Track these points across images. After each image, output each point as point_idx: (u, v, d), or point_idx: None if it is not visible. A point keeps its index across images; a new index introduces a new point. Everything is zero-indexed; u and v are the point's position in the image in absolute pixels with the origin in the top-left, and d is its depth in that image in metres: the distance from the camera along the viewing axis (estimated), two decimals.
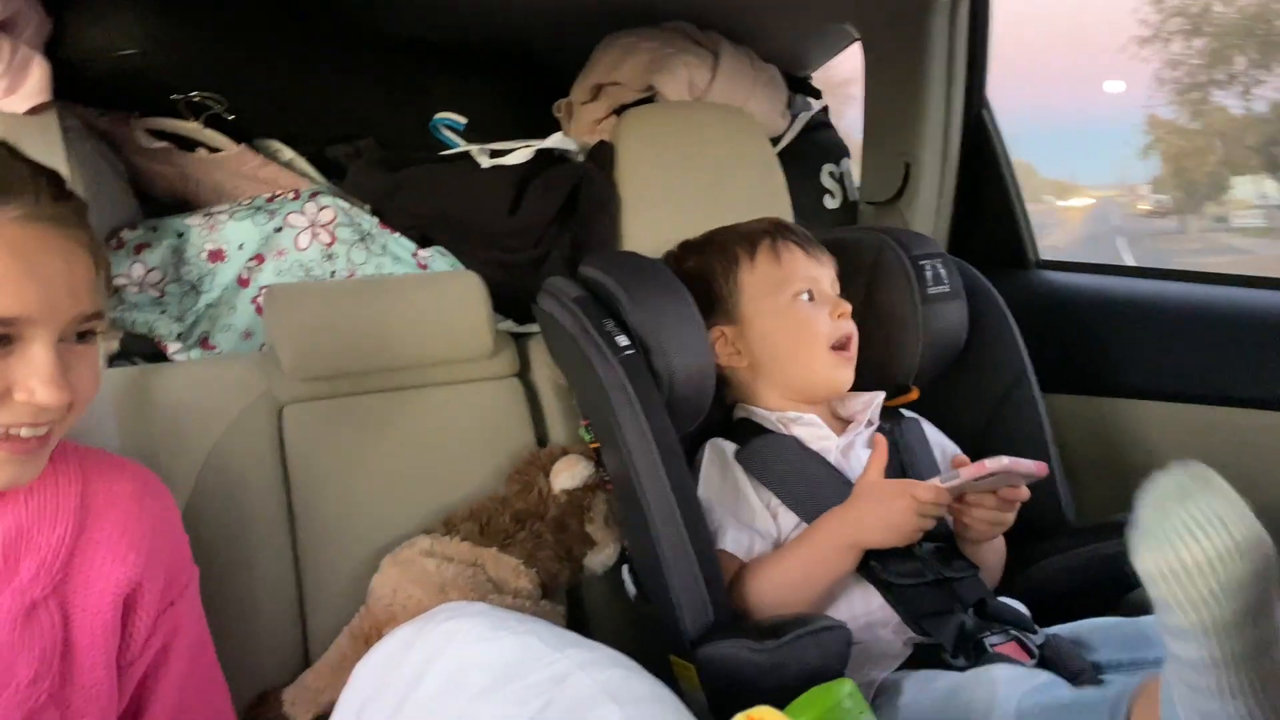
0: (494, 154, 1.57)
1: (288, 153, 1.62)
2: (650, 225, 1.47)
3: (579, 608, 1.31)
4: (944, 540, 1.13)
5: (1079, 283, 1.65)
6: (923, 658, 1.04)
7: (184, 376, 1.26)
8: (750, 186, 1.54)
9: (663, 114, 1.59)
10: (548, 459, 1.25)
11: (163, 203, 1.56)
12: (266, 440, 1.24)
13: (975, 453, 1.12)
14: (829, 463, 1.17)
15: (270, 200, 1.49)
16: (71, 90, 1.31)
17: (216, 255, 1.44)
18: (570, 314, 1.17)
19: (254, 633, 1.17)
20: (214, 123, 1.51)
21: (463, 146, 1.60)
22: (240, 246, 1.44)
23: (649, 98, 1.64)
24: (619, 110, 1.63)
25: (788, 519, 1.15)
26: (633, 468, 1.07)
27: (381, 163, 1.58)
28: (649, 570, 1.10)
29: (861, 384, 1.28)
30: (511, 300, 1.54)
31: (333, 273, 1.48)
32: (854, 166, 1.90)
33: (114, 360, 1.31)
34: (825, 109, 1.96)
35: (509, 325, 1.55)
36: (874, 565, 1.08)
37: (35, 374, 0.73)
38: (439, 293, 1.36)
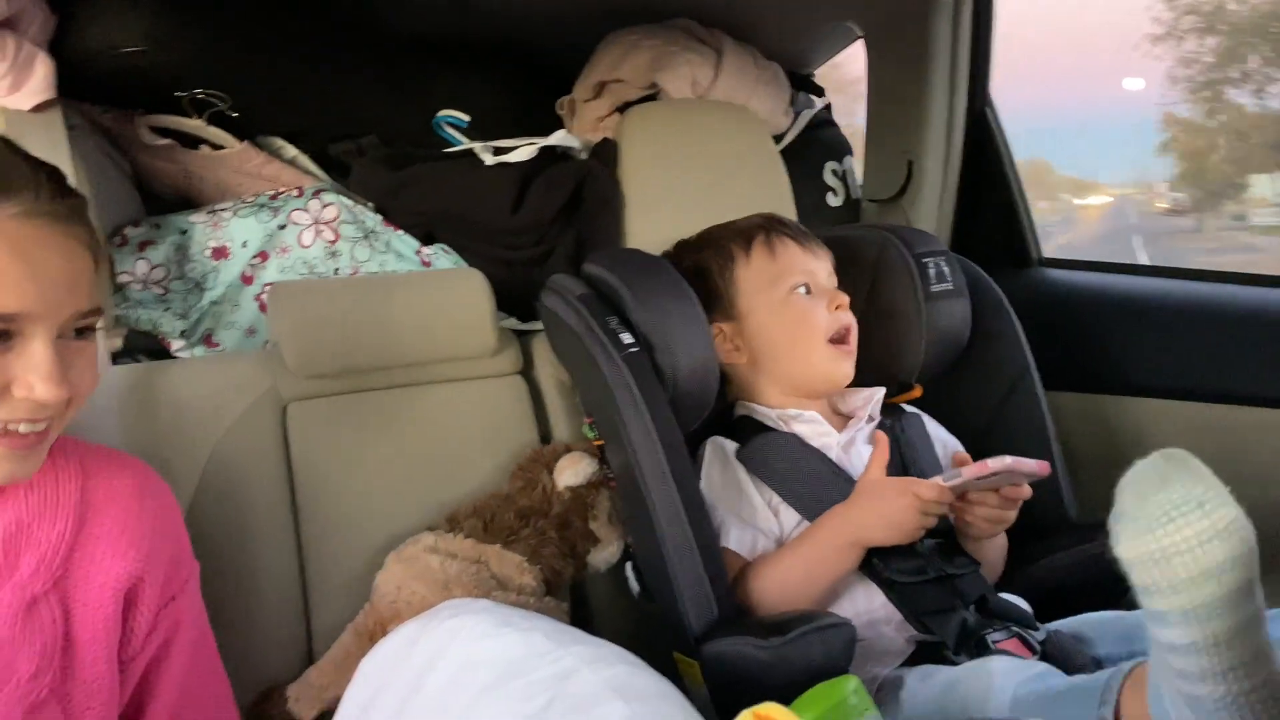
0: (497, 151, 1.57)
1: (290, 150, 1.62)
2: (653, 223, 1.47)
3: (582, 605, 1.32)
4: (945, 536, 1.14)
5: (1082, 281, 1.65)
6: (925, 655, 1.04)
7: (188, 374, 1.26)
8: (753, 184, 1.54)
9: (666, 112, 1.59)
10: (551, 456, 1.25)
11: (166, 200, 1.56)
12: (271, 437, 1.24)
13: (978, 450, 1.12)
14: (830, 459, 1.18)
15: (274, 198, 1.49)
16: (75, 87, 1.30)
17: (220, 252, 1.44)
18: (574, 311, 1.17)
19: (258, 629, 1.17)
20: (217, 120, 1.51)
21: (466, 144, 1.61)
22: (244, 244, 1.44)
23: (652, 95, 1.64)
24: (622, 108, 1.63)
25: (789, 517, 1.15)
26: (637, 465, 1.07)
27: (385, 160, 1.59)
28: (653, 567, 1.10)
29: (865, 381, 1.28)
30: (515, 298, 1.54)
31: (336, 270, 1.48)
32: (857, 164, 1.91)
33: (118, 357, 1.31)
34: (828, 106, 1.96)
35: (512, 323, 1.55)
36: (876, 563, 1.08)
37: (34, 370, 0.74)
38: (443, 290, 1.36)
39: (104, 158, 1.43)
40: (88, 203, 0.81)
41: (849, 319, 1.24)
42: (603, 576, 1.28)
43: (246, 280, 1.44)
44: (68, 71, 1.20)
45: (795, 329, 1.22)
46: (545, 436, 1.38)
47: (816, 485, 1.15)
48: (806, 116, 1.85)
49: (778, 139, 1.75)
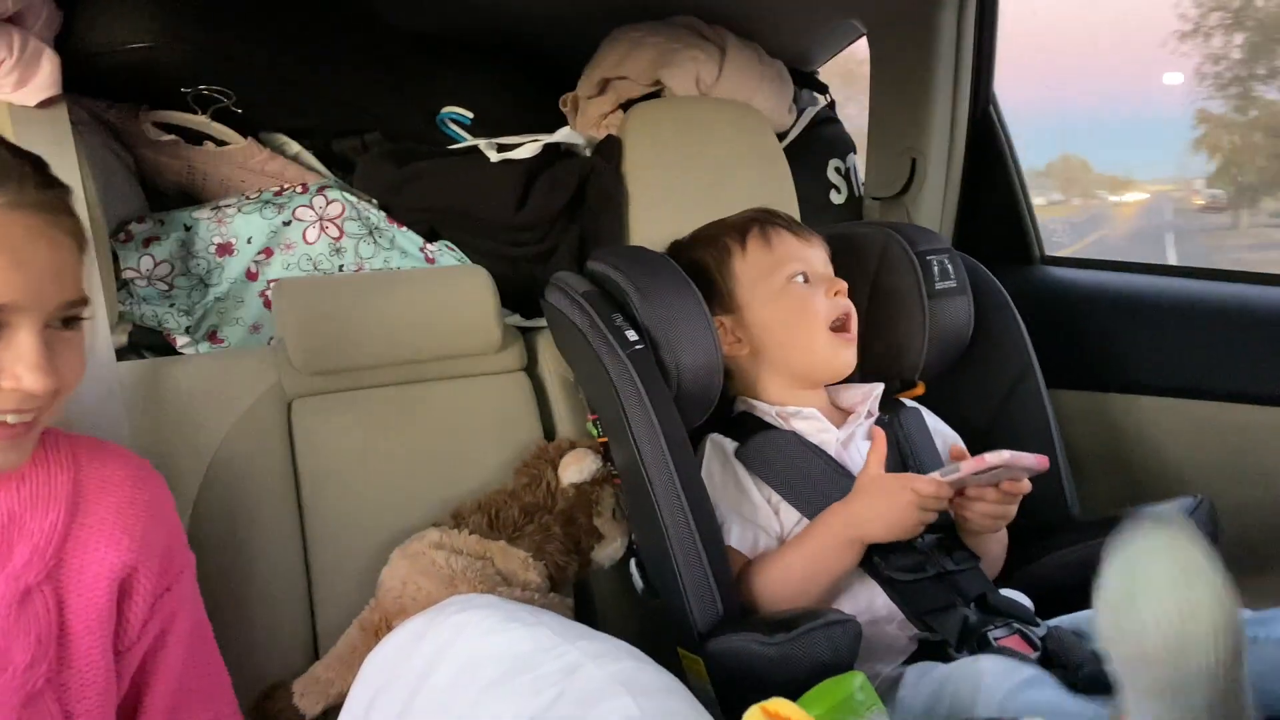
0: (501, 148, 1.57)
1: (294, 146, 1.62)
2: (657, 220, 1.47)
3: (587, 601, 1.32)
4: (945, 531, 1.14)
5: (1084, 278, 1.65)
6: (927, 652, 1.04)
7: (193, 370, 1.26)
8: (756, 181, 1.54)
9: (669, 109, 1.59)
10: (555, 453, 1.26)
11: (170, 196, 1.56)
12: (275, 434, 1.25)
13: (981, 448, 1.12)
14: (829, 456, 1.18)
15: (278, 194, 1.50)
16: (80, 83, 1.31)
17: (225, 249, 1.44)
18: (579, 308, 1.17)
19: (263, 625, 1.17)
20: (221, 116, 1.51)
21: (470, 141, 1.61)
22: (249, 240, 1.44)
23: (656, 92, 1.64)
24: (625, 105, 1.63)
25: (789, 515, 1.15)
26: (641, 462, 1.07)
27: (389, 156, 1.59)
28: (657, 564, 1.10)
29: (867, 379, 1.28)
30: (519, 294, 1.55)
31: (340, 266, 1.48)
32: (860, 161, 1.91)
33: (123, 354, 1.32)
34: (831, 104, 1.96)
35: (516, 319, 1.55)
36: (876, 560, 1.08)
37: (22, 360, 0.74)
38: (447, 287, 1.36)
39: (109, 153, 1.43)
40: (71, 192, 0.81)
41: (848, 305, 1.25)
42: (607, 573, 1.28)
43: (251, 277, 1.45)
44: (73, 67, 1.20)
45: (795, 317, 1.22)
46: (549, 433, 1.39)
47: (816, 483, 1.15)
48: (810, 114, 1.85)
49: (781, 136, 1.75)
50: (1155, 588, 0.61)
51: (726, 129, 1.56)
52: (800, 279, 1.24)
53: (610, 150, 1.54)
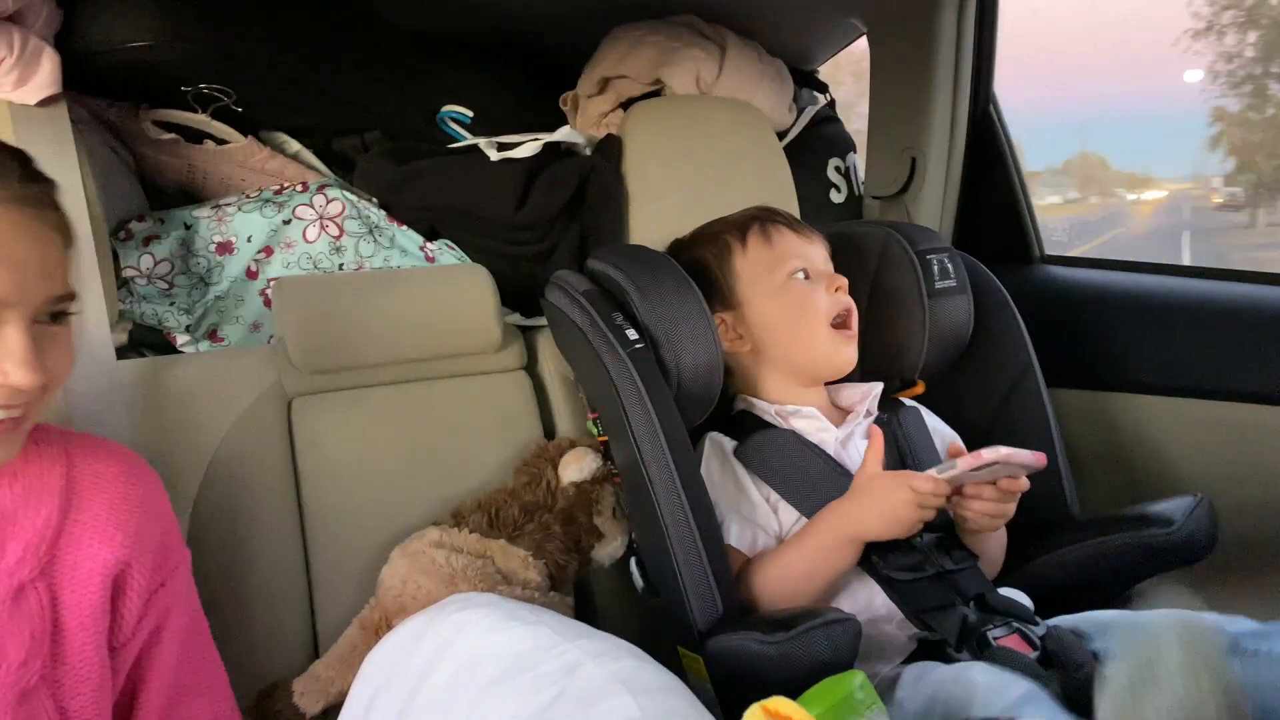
0: (501, 147, 1.57)
1: (294, 145, 1.63)
2: (657, 218, 1.47)
3: (587, 600, 1.32)
4: (944, 530, 1.14)
5: (1084, 277, 1.65)
6: (927, 652, 1.04)
7: (193, 368, 1.26)
8: (756, 180, 1.54)
9: (670, 108, 1.59)
10: (556, 452, 1.26)
11: (171, 195, 1.56)
12: (276, 432, 1.25)
13: (980, 447, 1.12)
14: (828, 455, 1.18)
15: (278, 193, 1.50)
16: (81, 82, 1.31)
17: (225, 247, 1.44)
18: (579, 307, 1.17)
19: (263, 623, 1.17)
20: (222, 115, 1.51)
21: (470, 140, 1.61)
22: (249, 239, 1.44)
23: (656, 91, 1.64)
24: (625, 104, 1.63)
25: (788, 514, 1.15)
26: (641, 460, 1.07)
27: (389, 155, 1.59)
28: (657, 562, 1.10)
29: (867, 377, 1.28)
30: (519, 293, 1.55)
31: (341, 265, 1.48)
32: (860, 160, 1.91)
33: (123, 352, 1.32)
34: (832, 103, 1.96)
35: (516, 318, 1.56)
36: (874, 559, 1.08)
37: (9, 356, 0.74)
38: (447, 286, 1.36)
39: (109, 152, 1.43)
40: (57, 186, 0.81)
41: (849, 301, 1.25)
42: (607, 571, 1.28)
43: (251, 275, 1.45)
44: (73, 66, 1.20)
45: (797, 313, 1.22)
46: (549, 432, 1.39)
47: (815, 482, 1.15)
48: (810, 113, 1.85)
49: (781, 135, 1.75)
50: (1160, 680, 0.60)
51: (726, 128, 1.57)
52: (801, 275, 1.24)
53: (610, 149, 1.54)
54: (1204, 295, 1.49)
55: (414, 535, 1.20)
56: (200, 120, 1.50)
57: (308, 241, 1.47)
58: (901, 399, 1.32)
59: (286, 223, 1.46)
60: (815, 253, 1.28)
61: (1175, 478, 1.42)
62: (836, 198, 1.85)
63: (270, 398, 1.26)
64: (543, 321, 1.43)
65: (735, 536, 1.12)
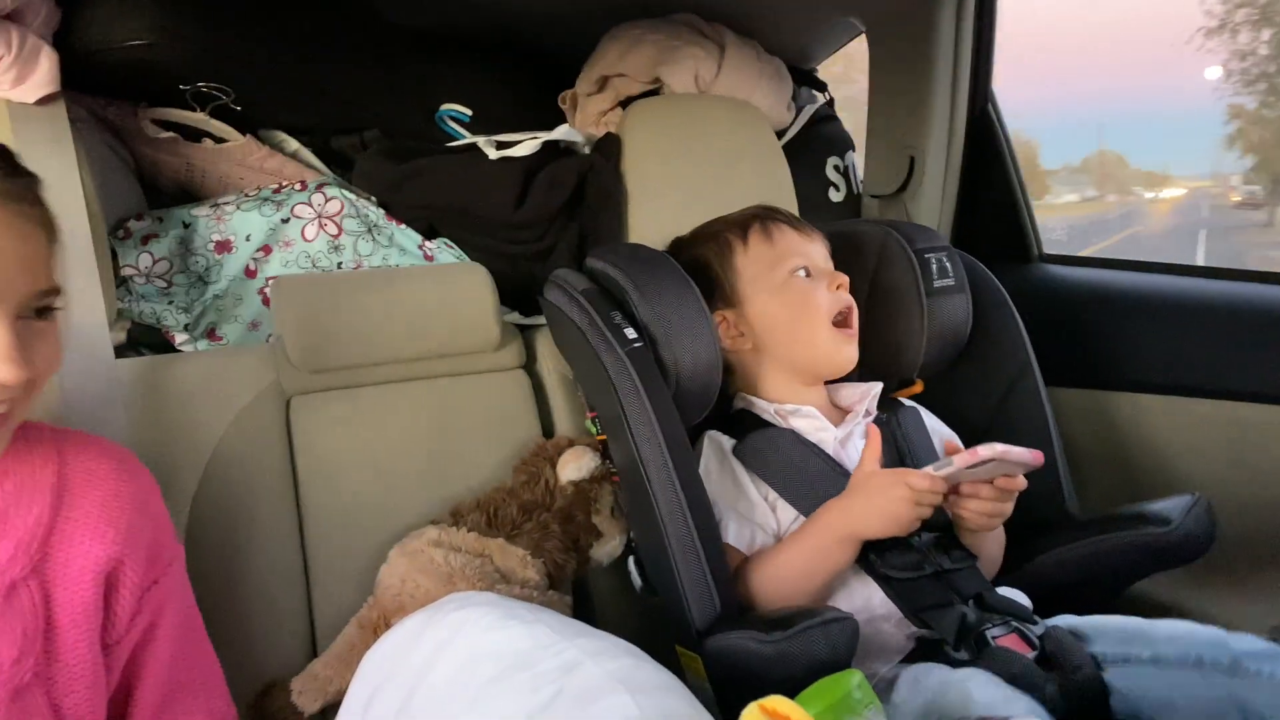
0: (500, 146, 1.57)
1: (293, 144, 1.63)
2: (656, 217, 1.47)
3: (585, 599, 1.32)
4: (943, 530, 1.14)
5: (1083, 276, 1.65)
6: (925, 651, 1.04)
7: (192, 367, 1.26)
8: (755, 179, 1.54)
9: (668, 106, 1.59)
10: (554, 450, 1.26)
11: (169, 193, 1.56)
12: (274, 431, 1.25)
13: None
14: (827, 454, 1.18)
15: (277, 191, 1.50)
16: (79, 81, 1.31)
17: (224, 246, 1.44)
18: (577, 306, 1.17)
19: (262, 622, 1.17)
20: (220, 113, 1.51)
21: (469, 138, 1.61)
22: (247, 237, 1.44)
23: (654, 90, 1.64)
24: (624, 102, 1.63)
25: (786, 513, 1.15)
26: (639, 459, 1.07)
27: (388, 154, 1.59)
28: (655, 561, 1.10)
29: (866, 376, 1.28)
30: (518, 292, 1.55)
31: (339, 264, 1.48)
32: (859, 159, 1.91)
33: (122, 351, 1.32)
34: (830, 101, 1.96)
35: (515, 317, 1.56)
36: (872, 558, 1.08)
37: None
38: (446, 285, 1.36)
39: (108, 151, 1.43)
40: (40, 181, 0.81)
41: (849, 299, 1.25)
42: (605, 570, 1.28)
43: (250, 274, 1.45)
44: (71, 64, 1.20)
45: (798, 310, 1.23)
46: (548, 431, 1.39)
47: (813, 481, 1.15)
48: (808, 112, 1.85)
49: (780, 134, 1.75)
50: None
51: (725, 126, 1.57)
52: (802, 273, 1.24)
53: (609, 148, 1.54)
54: (1202, 294, 1.49)
55: (412, 534, 1.20)
56: (199, 119, 1.50)
57: (306, 240, 1.47)
58: (901, 399, 1.32)
59: (285, 221, 1.46)
60: (816, 251, 1.28)
61: (1173, 476, 1.42)
62: (835, 196, 1.85)
63: (269, 396, 1.26)
64: (541, 320, 1.43)
65: (733, 535, 1.12)
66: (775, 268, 1.24)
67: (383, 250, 1.51)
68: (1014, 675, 0.93)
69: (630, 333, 1.12)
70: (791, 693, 0.72)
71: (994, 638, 1.00)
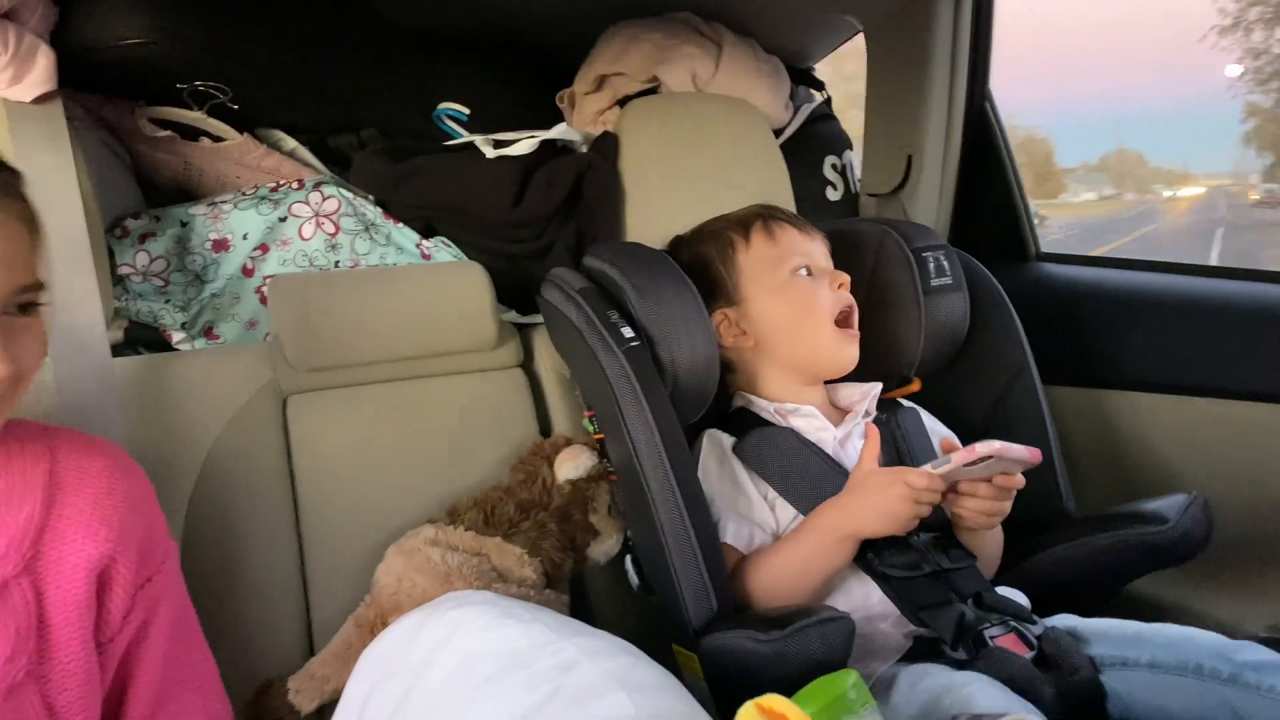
0: (498, 144, 1.57)
1: (290, 142, 1.62)
2: (654, 216, 1.47)
3: (582, 598, 1.32)
4: (942, 530, 1.14)
5: (1080, 275, 1.65)
6: (923, 650, 1.04)
7: (189, 366, 1.26)
8: (753, 178, 1.54)
9: (666, 105, 1.59)
10: (551, 449, 1.26)
11: (166, 192, 1.56)
12: (271, 430, 1.25)
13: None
14: (826, 453, 1.18)
15: (275, 190, 1.49)
16: (76, 79, 1.31)
17: (221, 245, 1.44)
18: (574, 305, 1.17)
19: (259, 621, 1.17)
20: (217, 112, 1.51)
21: (466, 137, 1.61)
22: (245, 236, 1.44)
23: (652, 89, 1.64)
24: (622, 101, 1.63)
25: (785, 511, 1.15)
26: (636, 458, 1.07)
27: (386, 153, 1.59)
28: (652, 560, 1.10)
29: (863, 375, 1.28)
30: (515, 291, 1.55)
31: (337, 263, 1.48)
32: (856, 158, 1.91)
33: (119, 350, 1.31)
34: (828, 100, 1.96)
35: (512, 316, 1.56)
36: (870, 557, 1.08)
37: None
38: (443, 283, 1.36)
39: (104, 149, 1.43)
40: (21, 176, 0.81)
41: (850, 299, 1.26)
42: (602, 569, 1.28)
43: (247, 273, 1.45)
44: (69, 63, 1.20)
45: (801, 309, 1.23)
46: (545, 429, 1.39)
47: (813, 480, 1.15)
48: (806, 110, 1.85)
49: (778, 133, 1.75)
50: None
51: (723, 125, 1.56)
52: (804, 272, 1.24)
53: (607, 146, 1.54)
54: (1199, 293, 1.49)
55: (409, 533, 1.20)
56: (196, 117, 1.50)
57: (304, 239, 1.47)
58: (900, 400, 1.32)
59: (283, 220, 1.46)
60: (817, 250, 1.28)
61: (1170, 475, 1.42)
62: (833, 195, 1.85)
63: (265, 395, 1.26)
64: (539, 319, 1.43)
65: (732, 534, 1.12)
66: (778, 266, 1.25)
67: (380, 249, 1.51)
68: (1011, 675, 0.93)
69: (627, 331, 1.12)
70: (788, 692, 0.72)
71: (992, 637, 1.00)
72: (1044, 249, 1.75)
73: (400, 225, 1.55)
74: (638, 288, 1.15)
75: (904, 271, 1.32)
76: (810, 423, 1.21)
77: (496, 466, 1.31)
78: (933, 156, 1.70)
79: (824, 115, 1.91)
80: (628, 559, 1.20)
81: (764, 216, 1.29)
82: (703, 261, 1.28)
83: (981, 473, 1.05)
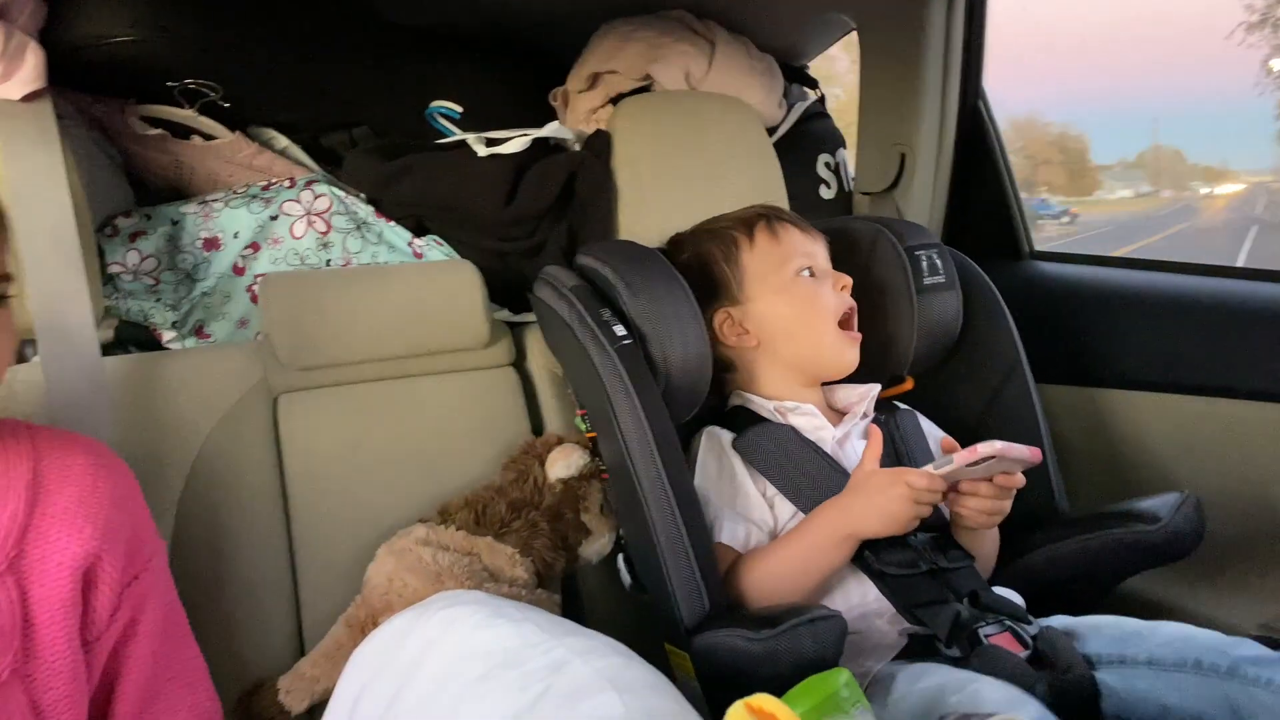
0: (490, 143, 1.56)
1: (282, 140, 1.62)
2: (646, 214, 1.47)
3: (574, 597, 1.32)
4: (940, 530, 1.14)
5: (1074, 273, 1.66)
6: (918, 648, 1.04)
7: (179, 365, 1.26)
8: (746, 176, 1.54)
9: (659, 103, 1.59)
10: (543, 448, 1.25)
11: (157, 191, 1.56)
12: (262, 429, 1.24)
13: (971, 444, 1.12)
14: (825, 453, 1.18)
15: (266, 188, 1.49)
16: (66, 77, 1.30)
17: (212, 243, 1.44)
18: (567, 303, 1.17)
19: (249, 621, 1.17)
20: (209, 110, 1.51)
21: (459, 135, 1.60)
22: (235, 235, 1.44)
23: (645, 87, 1.64)
24: (615, 99, 1.63)
25: (784, 508, 1.15)
26: (628, 457, 1.07)
27: (378, 151, 1.58)
28: (644, 559, 1.10)
29: (857, 374, 1.28)
30: (507, 289, 1.54)
31: (328, 261, 1.48)
32: (849, 156, 1.90)
33: (109, 349, 1.31)
34: (821, 99, 1.96)
35: (504, 315, 1.55)
36: (868, 555, 1.08)
37: None
38: (435, 282, 1.36)
39: (95, 148, 1.43)
40: None
41: (852, 301, 1.26)
42: (594, 568, 1.28)
43: (238, 271, 1.44)
44: (58, 61, 1.19)
45: (805, 309, 1.23)
46: (537, 428, 1.38)
47: (812, 478, 1.15)
48: (799, 109, 1.85)
49: (771, 131, 1.74)
50: None
51: (716, 123, 1.56)
52: (807, 273, 1.24)
53: (599, 144, 1.54)
54: (1193, 291, 1.49)
55: (400, 532, 1.20)
56: (187, 116, 1.50)
57: (295, 238, 1.46)
58: (897, 402, 1.32)
59: (274, 219, 1.46)
60: (819, 251, 1.28)
61: (1163, 473, 1.42)
62: (826, 194, 1.85)
63: (256, 394, 1.25)
64: (531, 317, 1.43)
65: (728, 533, 1.12)
66: (782, 267, 1.24)
67: (371, 248, 1.51)
68: (1005, 674, 0.93)
69: (619, 330, 1.12)
70: (779, 691, 0.72)
71: (987, 636, 1.00)
72: (1063, 250, 1.75)
73: (392, 224, 1.55)
74: (630, 286, 1.15)
75: (897, 270, 1.32)
76: (809, 421, 1.21)
77: (488, 465, 1.31)
78: (926, 155, 1.70)
79: (817, 113, 1.91)
80: (620, 558, 1.20)
81: (767, 216, 1.29)
82: (705, 260, 1.28)
83: (982, 473, 1.05)
